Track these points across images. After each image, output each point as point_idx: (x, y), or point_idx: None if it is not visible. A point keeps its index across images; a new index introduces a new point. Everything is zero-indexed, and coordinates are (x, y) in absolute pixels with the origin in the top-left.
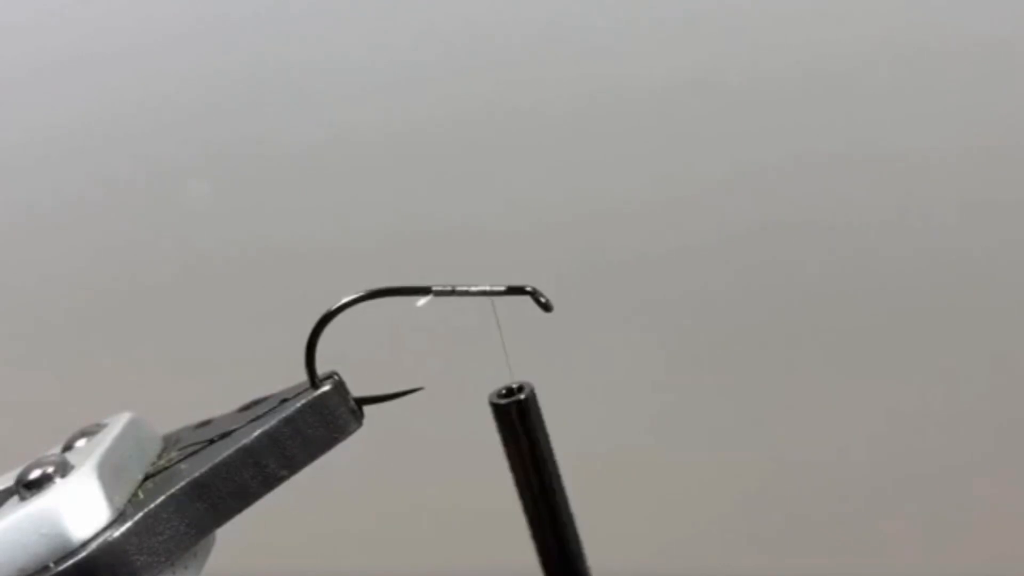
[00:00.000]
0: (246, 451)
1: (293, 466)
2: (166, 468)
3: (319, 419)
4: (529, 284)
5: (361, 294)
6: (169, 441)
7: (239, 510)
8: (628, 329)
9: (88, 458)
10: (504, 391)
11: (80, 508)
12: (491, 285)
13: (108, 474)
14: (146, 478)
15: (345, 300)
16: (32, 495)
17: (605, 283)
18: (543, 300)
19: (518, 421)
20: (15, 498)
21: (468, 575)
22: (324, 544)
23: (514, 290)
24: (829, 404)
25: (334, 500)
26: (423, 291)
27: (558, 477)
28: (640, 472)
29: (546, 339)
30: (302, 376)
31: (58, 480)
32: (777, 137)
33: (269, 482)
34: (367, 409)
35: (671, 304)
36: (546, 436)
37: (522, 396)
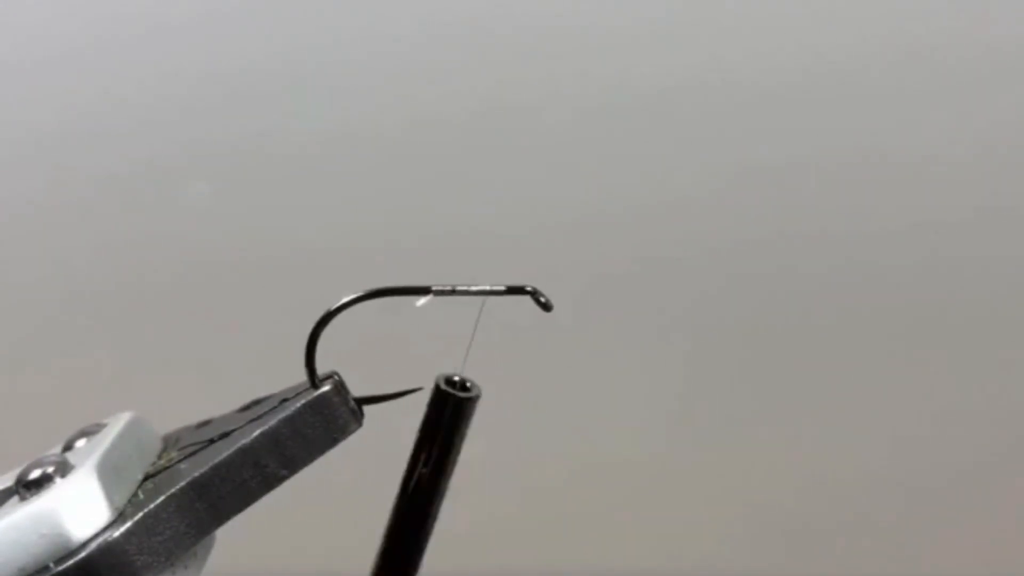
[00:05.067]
0: (246, 451)
1: (293, 466)
2: (166, 468)
3: (319, 419)
4: (529, 284)
5: (361, 294)
6: (169, 441)
7: (239, 510)
8: (637, 333)
9: (88, 458)
10: (453, 381)
11: (80, 508)
12: (491, 285)
13: (108, 474)
14: (146, 478)
15: (345, 300)
16: (32, 495)
17: (614, 285)
18: (543, 300)
19: (456, 417)
20: (15, 498)
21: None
22: (324, 544)
23: (514, 290)
24: (841, 408)
25: (334, 500)
26: (423, 291)
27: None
28: (650, 474)
29: (552, 341)
30: (302, 376)
31: (58, 480)
32: (787, 140)
33: (269, 482)
34: (367, 409)
35: (682, 307)
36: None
37: (472, 395)
